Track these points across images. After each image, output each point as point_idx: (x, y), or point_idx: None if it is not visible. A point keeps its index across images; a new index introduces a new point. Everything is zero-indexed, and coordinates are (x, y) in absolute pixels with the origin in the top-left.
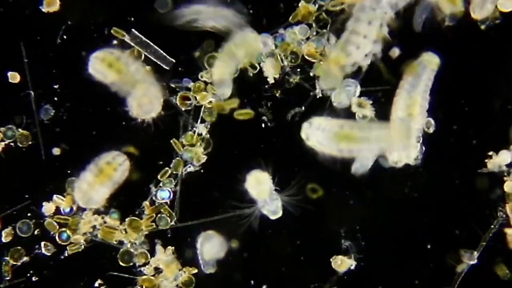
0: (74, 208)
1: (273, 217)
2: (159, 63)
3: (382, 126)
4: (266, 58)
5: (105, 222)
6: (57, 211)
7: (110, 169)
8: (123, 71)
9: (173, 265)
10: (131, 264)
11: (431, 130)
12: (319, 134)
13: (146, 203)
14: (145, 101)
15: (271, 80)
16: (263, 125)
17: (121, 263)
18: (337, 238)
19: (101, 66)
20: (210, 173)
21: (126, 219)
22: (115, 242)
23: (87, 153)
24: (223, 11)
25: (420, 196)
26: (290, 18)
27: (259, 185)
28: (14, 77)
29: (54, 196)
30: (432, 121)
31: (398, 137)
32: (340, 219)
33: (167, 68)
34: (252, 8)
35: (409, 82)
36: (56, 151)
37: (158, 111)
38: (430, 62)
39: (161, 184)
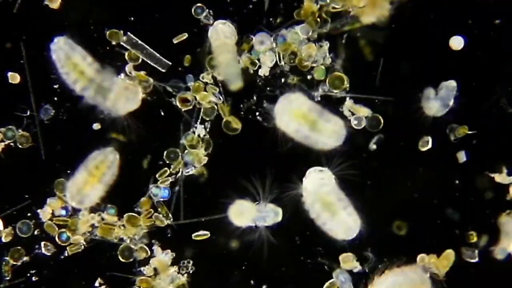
0: (70, 209)
1: (277, 220)
2: (155, 65)
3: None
4: (265, 53)
5: (102, 219)
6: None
7: (103, 167)
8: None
9: (169, 269)
10: (131, 260)
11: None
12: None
13: (144, 199)
14: (121, 97)
15: (262, 72)
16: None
17: (121, 259)
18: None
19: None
20: (210, 173)
21: (124, 215)
22: (115, 240)
23: (87, 153)
24: None
25: (420, 196)
26: (294, 15)
27: (242, 215)
28: (14, 77)
29: (48, 199)
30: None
31: None
32: None
33: (163, 70)
34: (252, 8)
35: None
36: (96, 126)
37: (137, 104)
38: None
39: (158, 183)
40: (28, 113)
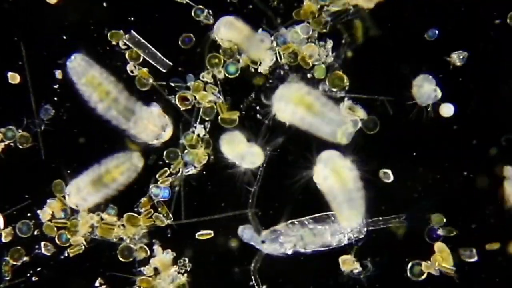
0: (69, 211)
1: (256, 164)
2: (156, 65)
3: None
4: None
5: (102, 219)
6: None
7: (116, 173)
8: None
9: (171, 268)
10: (131, 259)
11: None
12: (283, 89)
13: (144, 199)
14: (151, 127)
15: (262, 69)
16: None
17: (121, 259)
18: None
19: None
20: (210, 173)
21: (124, 215)
22: (114, 239)
23: (87, 153)
24: None
25: (420, 196)
26: (293, 15)
27: (233, 145)
28: (14, 78)
29: (48, 200)
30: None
31: None
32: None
33: (164, 70)
34: (252, 8)
35: None
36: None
37: (169, 134)
38: None
39: (158, 183)
40: (41, 126)
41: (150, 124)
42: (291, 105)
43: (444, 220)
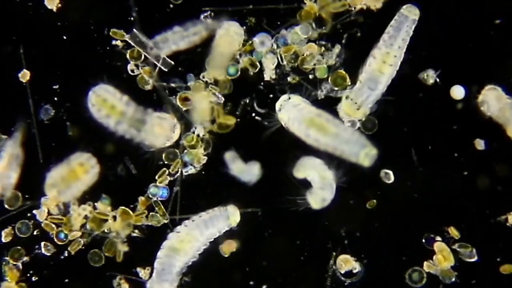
0: (61, 206)
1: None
2: (158, 64)
3: (354, 133)
4: (266, 55)
5: (95, 208)
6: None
7: (81, 171)
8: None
9: None
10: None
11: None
12: (293, 112)
13: (141, 198)
14: (159, 130)
15: (267, 77)
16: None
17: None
18: (338, 238)
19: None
20: (210, 173)
21: (119, 208)
22: (106, 231)
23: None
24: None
25: (420, 196)
26: (297, 16)
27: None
28: (24, 75)
29: (42, 199)
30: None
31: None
32: (340, 219)
33: (166, 70)
34: (252, 8)
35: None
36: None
37: (178, 133)
38: (410, 12)
39: (157, 183)
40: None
41: (158, 128)
42: (303, 126)
43: (459, 235)
